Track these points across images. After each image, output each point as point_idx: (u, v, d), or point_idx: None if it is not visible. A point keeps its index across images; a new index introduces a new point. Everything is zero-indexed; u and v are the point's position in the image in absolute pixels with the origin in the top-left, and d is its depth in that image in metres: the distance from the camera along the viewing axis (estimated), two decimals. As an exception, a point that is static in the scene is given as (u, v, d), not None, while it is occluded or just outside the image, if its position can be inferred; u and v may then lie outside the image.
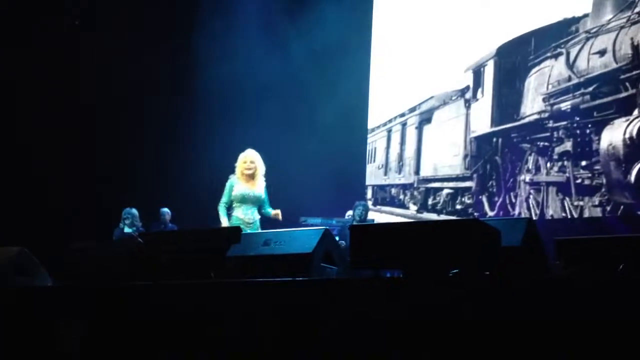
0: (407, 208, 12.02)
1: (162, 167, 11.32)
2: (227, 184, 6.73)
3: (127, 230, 9.90)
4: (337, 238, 6.86)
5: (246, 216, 6.63)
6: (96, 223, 10.04)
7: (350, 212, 10.15)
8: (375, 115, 12.49)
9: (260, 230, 6.46)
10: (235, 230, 3.80)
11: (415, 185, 12.01)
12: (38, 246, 4.28)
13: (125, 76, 11.14)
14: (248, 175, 6.70)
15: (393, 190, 12.45)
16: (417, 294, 3.37)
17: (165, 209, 10.70)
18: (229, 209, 6.76)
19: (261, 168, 6.78)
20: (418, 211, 11.78)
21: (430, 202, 11.74)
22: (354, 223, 9.62)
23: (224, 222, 6.60)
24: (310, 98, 11.51)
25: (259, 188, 6.72)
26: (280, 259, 3.77)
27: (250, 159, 6.75)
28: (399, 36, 12.17)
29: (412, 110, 12.42)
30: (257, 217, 6.75)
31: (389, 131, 12.67)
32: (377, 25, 12.41)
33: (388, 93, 12.31)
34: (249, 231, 6.28)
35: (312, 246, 3.75)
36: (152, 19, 11.40)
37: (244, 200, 6.64)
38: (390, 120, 12.51)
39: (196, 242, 3.87)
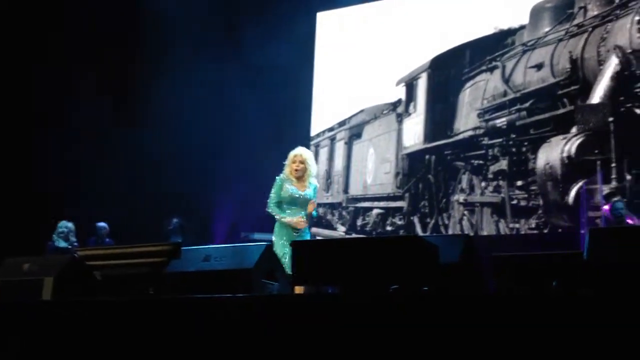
0: (335, 229, 12.39)
1: (100, 179, 11.59)
2: (276, 183, 6.68)
3: (61, 244, 10.10)
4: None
5: (294, 228, 6.52)
6: (29, 237, 10.22)
7: None
8: (313, 129, 12.87)
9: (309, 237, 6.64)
10: (175, 246, 4.17)
11: (343, 204, 12.39)
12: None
13: (60, 90, 11.51)
14: (298, 176, 6.66)
15: (320, 210, 12.66)
16: (357, 310, 3.82)
17: (103, 224, 10.92)
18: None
19: (312, 168, 6.77)
20: (346, 232, 12.12)
21: (359, 222, 12.13)
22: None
23: (286, 219, 6.53)
24: (253, 113, 11.98)
25: (309, 190, 6.67)
26: (220, 275, 4.17)
27: (300, 158, 6.71)
28: (338, 50, 12.67)
29: (342, 124, 12.86)
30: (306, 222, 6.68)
31: (317, 146, 12.98)
32: (320, 41, 12.90)
33: (322, 107, 12.75)
34: (297, 238, 6.34)
35: (253, 262, 4.17)
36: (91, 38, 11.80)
37: (293, 202, 6.59)
38: (318, 135, 12.90)
39: (135, 258, 4.22)
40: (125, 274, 4.18)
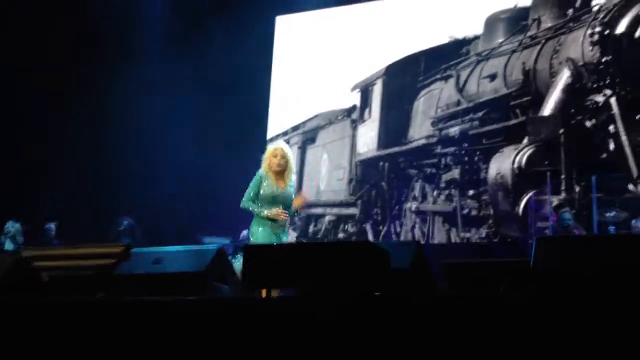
0: (286, 235, 12.36)
1: (50, 179, 11.50)
2: (255, 178, 6.23)
3: (8, 245, 9.97)
4: (230, 257, 7.10)
5: (275, 221, 6.15)
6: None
7: (245, 232, 10.59)
8: (269, 133, 12.78)
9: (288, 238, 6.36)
10: (125, 248, 4.18)
11: (295, 210, 12.40)
12: None
13: (14, 90, 11.46)
14: (278, 172, 6.21)
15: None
16: (309, 314, 3.88)
17: (51, 224, 10.80)
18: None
19: (292, 164, 6.37)
20: (298, 239, 12.02)
21: (311, 229, 12.22)
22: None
23: (264, 212, 6.07)
24: (210, 115, 11.99)
25: (290, 187, 6.28)
26: (171, 277, 4.19)
27: (281, 152, 6.24)
28: (296, 54, 12.73)
29: (295, 128, 12.90)
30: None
31: (270, 151, 12.92)
32: (278, 44, 12.94)
33: (279, 110, 12.73)
34: (275, 240, 6.05)
35: (204, 264, 4.20)
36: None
37: (274, 201, 6.13)
38: (272, 139, 12.61)
39: (83, 259, 4.23)
40: (73, 275, 4.17)
